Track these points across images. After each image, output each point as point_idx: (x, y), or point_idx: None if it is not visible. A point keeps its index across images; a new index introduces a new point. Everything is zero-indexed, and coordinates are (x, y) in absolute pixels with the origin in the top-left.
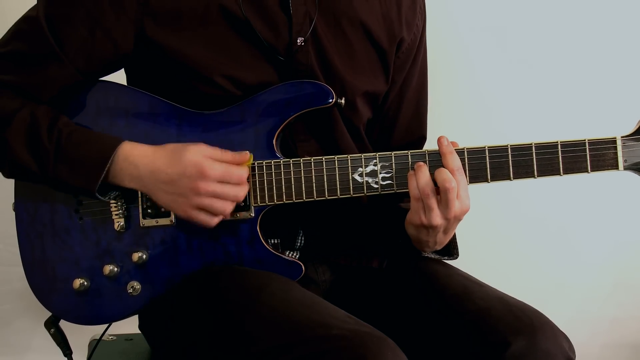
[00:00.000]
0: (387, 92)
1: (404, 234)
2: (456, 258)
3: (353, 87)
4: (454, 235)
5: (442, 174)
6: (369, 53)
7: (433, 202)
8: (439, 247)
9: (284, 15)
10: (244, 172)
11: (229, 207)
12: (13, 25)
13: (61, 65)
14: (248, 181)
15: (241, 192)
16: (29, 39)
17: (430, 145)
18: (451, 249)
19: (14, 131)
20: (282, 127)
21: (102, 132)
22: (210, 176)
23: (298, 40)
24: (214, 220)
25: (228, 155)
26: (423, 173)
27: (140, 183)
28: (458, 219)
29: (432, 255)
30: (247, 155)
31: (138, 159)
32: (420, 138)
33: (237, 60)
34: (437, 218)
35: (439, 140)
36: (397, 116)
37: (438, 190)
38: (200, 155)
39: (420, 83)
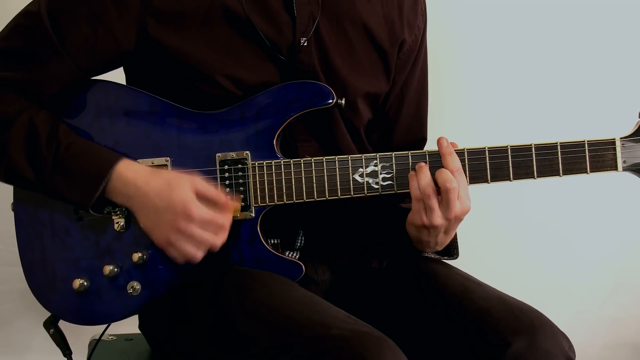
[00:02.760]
0: (387, 93)
1: (404, 234)
2: (456, 258)
3: (354, 88)
4: (455, 235)
5: (443, 174)
6: (370, 54)
7: (434, 203)
8: (439, 248)
9: (287, 15)
10: (227, 221)
11: (200, 253)
12: (12, 20)
13: (62, 62)
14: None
15: (218, 241)
16: (29, 34)
17: (430, 146)
18: (452, 249)
19: (12, 137)
20: (282, 127)
21: (102, 132)
22: (194, 218)
23: (301, 41)
24: (181, 261)
25: (221, 197)
26: (424, 173)
27: (130, 203)
28: (459, 219)
29: (433, 255)
30: (237, 204)
31: (131, 180)
32: (420, 139)
33: (239, 60)
34: (438, 218)
35: (439, 141)
36: (398, 117)
37: (439, 190)
38: (190, 194)
39: (421, 84)
